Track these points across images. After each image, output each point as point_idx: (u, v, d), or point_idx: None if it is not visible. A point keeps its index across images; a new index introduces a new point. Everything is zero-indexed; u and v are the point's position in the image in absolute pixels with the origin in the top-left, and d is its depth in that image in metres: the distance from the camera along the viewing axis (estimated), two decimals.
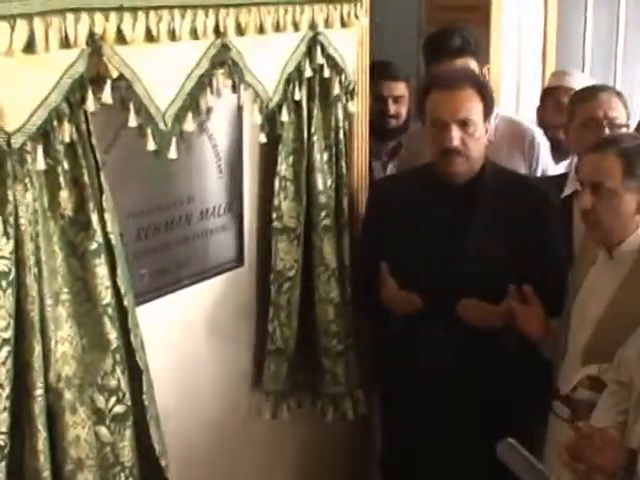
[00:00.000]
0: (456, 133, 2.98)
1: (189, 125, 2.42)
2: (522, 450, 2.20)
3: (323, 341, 3.12)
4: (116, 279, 2.26)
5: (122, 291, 2.28)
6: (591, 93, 3.42)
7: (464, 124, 2.98)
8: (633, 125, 3.53)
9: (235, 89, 2.60)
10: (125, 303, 2.29)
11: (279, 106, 2.80)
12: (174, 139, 2.39)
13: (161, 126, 2.33)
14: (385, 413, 3.37)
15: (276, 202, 2.96)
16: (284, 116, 2.83)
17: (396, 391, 3.26)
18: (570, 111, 3.45)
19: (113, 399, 2.27)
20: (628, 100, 3.45)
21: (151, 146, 2.32)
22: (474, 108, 3.00)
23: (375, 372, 3.34)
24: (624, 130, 3.34)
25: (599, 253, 2.83)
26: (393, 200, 3.16)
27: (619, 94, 3.46)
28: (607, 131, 3.30)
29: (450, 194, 3.08)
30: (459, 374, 3.06)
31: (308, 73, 2.87)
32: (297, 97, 2.86)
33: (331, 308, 3.10)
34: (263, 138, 2.79)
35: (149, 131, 2.30)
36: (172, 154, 2.40)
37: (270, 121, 2.80)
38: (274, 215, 2.96)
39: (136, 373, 2.34)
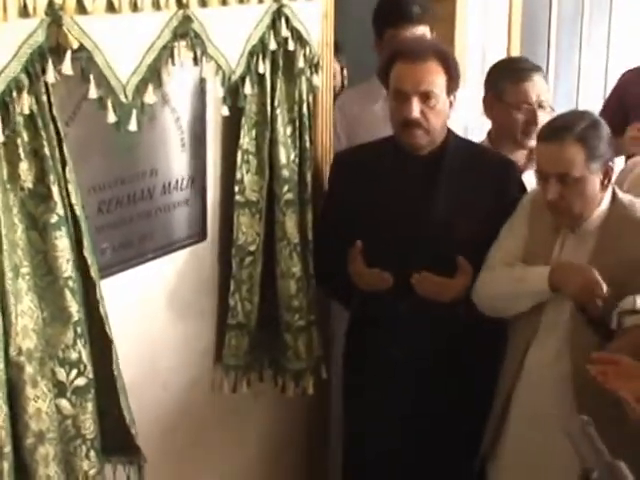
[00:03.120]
0: (417, 105, 2.97)
1: (150, 97, 2.40)
2: (591, 431, 2.18)
3: (285, 316, 3.11)
4: (82, 251, 2.25)
5: (89, 262, 2.27)
6: (522, 74, 3.39)
7: (426, 97, 2.98)
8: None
9: (197, 61, 2.57)
10: (92, 275, 2.28)
11: (242, 79, 2.78)
12: (135, 111, 2.37)
13: (122, 98, 2.31)
14: (348, 388, 3.37)
15: (238, 175, 2.93)
16: (247, 89, 2.81)
17: (360, 366, 3.26)
18: (495, 87, 3.42)
19: (74, 372, 2.26)
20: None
21: (112, 118, 2.30)
22: (437, 81, 2.99)
23: (344, 349, 3.34)
24: (549, 111, 3.37)
25: (559, 232, 2.86)
26: (355, 172, 3.16)
27: (543, 73, 3.48)
28: (538, 114, 3.32)
29: (413, 166, 3.08)
30: (424, 348, 3.08)
31: (272, 46, 2.85)
32: (261, 70, 2.83)
33: (293, 283, 3.09)
34: (226, 111, 2.77)
35: (109, 103, 2.27)
36: (133, 126, 2.38)
37: (233, 94, 2.78)
38: (236, 189, 2.94)
39: (106, 343, 2.34)
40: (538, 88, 3.36)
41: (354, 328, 3.29)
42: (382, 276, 3.02)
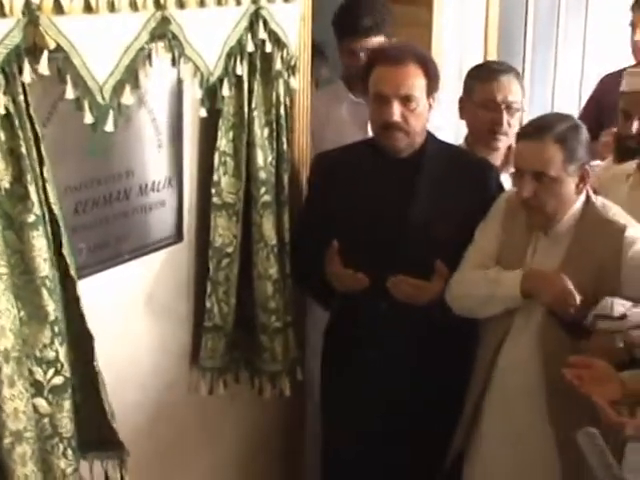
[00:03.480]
0: (397, 108, 2.99)
1: (127, 98, 2.39)
2: (601, 443, 2.19)
3: (261, 318, 3.12)
4: (61, 249, 2.26)
5: (68, 261, 2.27)
6: (491, 74, 3.43)
7: (406, 100, 3.00)
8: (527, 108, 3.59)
9: (175, 62, 2.57)
10: (72, 273, 2.29)
11: (220, 80, 2.78)
12: (112, 112, 2.36)
13: (99, 99, 2.30)
14: (326, 388, 3.38)
15: (215, 177, 2.93)
16: (225, 91, 2.81)
17: (338, 366, 3.27)
18: (468, 88, 3.48)
19: (51, 371, 2.26)
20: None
21: (88, 119, 2.29)
22: (417, 84, 3.01)
23: (322, 350, 3.35)
24: (519, 114, 3.40)
25: (532, 234, 2.88)
26: (335, 173, 3.17)
27: (518, 76, 3.50)
28: (504, 115, 3.35)
29: (392, 168, 3.10)
30: (402, 351, 3.10)
31: (250, 48, 2.85)
32: (239, 72, 2.83)
33: (270, 285, 3.09)
34: (203, 113, 2.77)
35: (86, 104, 2.27)
36: (109, 127, 2.37)
37: (211, 96, 2.78)
38: (213, 191, 2.94)
39: (86, 340, 2.36)
40: (505, 88, 3.38)
41: (332, 328, 3.30)
42: (357, 277, 3.03)
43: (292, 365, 3.24)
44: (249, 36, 2.84)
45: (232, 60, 2.80)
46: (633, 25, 4.42)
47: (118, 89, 2.36)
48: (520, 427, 2.89)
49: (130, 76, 2.39)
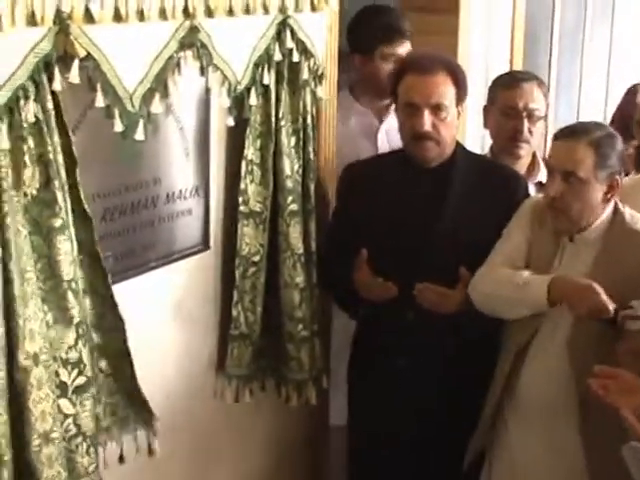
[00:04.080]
0: (428, 118, 2.99)
1: (156, 107, 2.41)
2: None
3: (288, 326, 3.12)
4: (94, 245, 2.34)
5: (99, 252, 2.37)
6: (514, 81, 3.44)
7: (437, 109, 3.00)
8: (550, 116, 3.58)
9: (203, 71, 2.59)
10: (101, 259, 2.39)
11: (247, 89, 2.79)
12: (141, 121, 2.37)
13: (129, 107, 2.32)
14: (353, 396, 3.38)
15: (242, 186, 2.94)
16: (252, 100, 2.82)
17: (366, 374, 3.27)
18: (491, 96, 3.48)
19: (75, 371, 2.29)
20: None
21: (118, 127, 2.31)
22: (447, 93, 3.02)
23: (350, 358, 3.35)
24: (542, 122, 3.39)
25: (560, 240, 2.87)
26: (364, 183, 3.18)
27: (541, 84, 3.50)
28: (525, 122, 3.34)
29: (422, 177, 3.10)
30: (429, 359, 3.10)
31: (277, 57, 2.86)
32: (266, 81, 2.84)
33: (296, 293, 3.10)
34: (231, 122, 2.78)
35: (116, 112, 2.29)
36: (139, 136, 2.39)
37: (238, 104, 2.79)
38: (240, 199, 2.95)
39: (118, 324, 2.46)
40: (527, 95, 3.37)
41: (360, 336, 3.31)
42: (386, 286, 3.03)
43: (318, 374, 3.24)
44: (277, 45, 2.85)
45: (259, 69, 2.81)
46: None
47: (147, 97, 2.38)
48: (549, 437, 2.88)
49: (159, 85, 2.42)
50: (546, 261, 2.88)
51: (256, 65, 2.80)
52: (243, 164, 2.92)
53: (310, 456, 3.65)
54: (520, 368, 2.91)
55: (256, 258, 3.01)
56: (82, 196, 2.28)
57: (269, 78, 2.85)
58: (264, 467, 3.45)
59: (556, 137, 2.85)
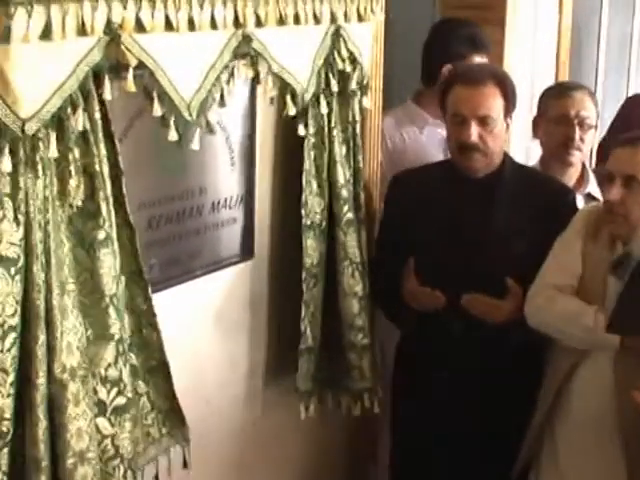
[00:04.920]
0: (475, 129, 2.99)
1: (212, 116, 2.41)
2: None
3: (349, 336, 3.10)
4: (137, 259, 2.33)
5: (142, 266, 2.37)
6: (565, 91, 3.46)
7: (484, 121, 3.00)
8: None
9: (259, 80, 2.59)
10: (144, 274, 2.39)
11: (315, 97, 2.81)
12: (198, 130, 2.38)
13: (186, 116, 2.32)
14: (397, 411, 3.36)
15: (303, 199, 2.93)
16: (323, 108, 2.83)
17: (410, 388, 3.26)
18: (542, 106, 3.49)
19: (114, 390, 2.27)
20: None
21: (174, 136, 2.31)
22: (495, 105, 3.01)
23: (394, 369, 3.34)
24: (592, 131, 3.38)
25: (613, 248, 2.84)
26: (412, 192, 3.17)
27: (592, 95, 3.51)
28: (577, 130, 3.33)
29: (469, 188, 3.09)
30: (475, 371, 3.09)
31: (339, 66, 2.86)
32: (334, 89, 2.85)
33: (356, 302, 3.09)
34: (302, 130, 2.81)
35: (172, 121, 2.29)
36: (195, 145, 2.39)
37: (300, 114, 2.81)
38: (303, 212, 2.94)
39: (156, 333, 2.44)
40: (578, 104, 3.38)
41: (405, 346, 3.30)
42: (434, 295, 3.02)
43: (377, 382, 3.22)
44: (335, 54, 2.85)
45: (323, 77, 2.82)
46: None
47: (204, 106, 2.38)
48: (596, 453, 2.85)
49: (215, 93, 2.42)
50: (601, 276, 2.83)
51: (319, 73, 2.81)
52: (303, 177, 2.92)
53: (357, 469, 3.63)
54: (572, 381, 2.89)
55: (316, 270, 3.00)
56: (127, 208, 2.27)
57: (334, 86, 2.86)
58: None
59: (617, 143, 2.84)
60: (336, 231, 3.03)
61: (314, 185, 2.96)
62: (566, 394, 2.90)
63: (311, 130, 2.91)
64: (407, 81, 4.06)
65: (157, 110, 2.26)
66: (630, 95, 4.51)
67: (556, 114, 3.40)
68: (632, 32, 6.30)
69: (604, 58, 5.99)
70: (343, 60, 2.90)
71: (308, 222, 2.96)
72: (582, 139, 3.39)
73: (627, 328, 2.33)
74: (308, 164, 2.93)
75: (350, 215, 3.05)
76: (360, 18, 2.96)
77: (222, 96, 2.44)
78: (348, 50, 2.92)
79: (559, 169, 3.40)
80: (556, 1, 4.84)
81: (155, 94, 2.24)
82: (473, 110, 2.99)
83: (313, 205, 2.96)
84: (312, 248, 2.97)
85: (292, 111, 2.73)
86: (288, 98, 2.70)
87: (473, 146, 3.01)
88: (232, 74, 2.47)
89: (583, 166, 3.48)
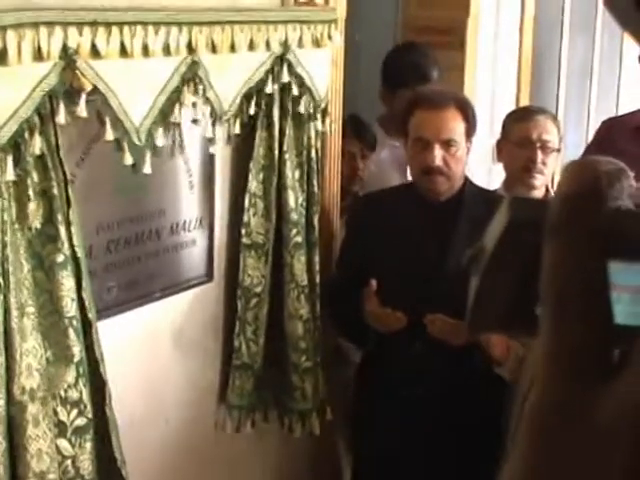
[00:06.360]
0: (438, 152, 3.02)
1: (160, 140, 2.44)
2: None
3: (292, 357, 3.14)
4: (81, 292, 2.27)
5: (86, 304, 2.29)
6: (528, 114, 3.51)
7: (447, 144, 3.03)
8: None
9: (194, 104, 2.61)
10: (89, 316, 2.30)
11: (235, 119, 2.80)
12: (148, 154, 2.41)
13: (135, 140, 2.35)
14: (356, 430, 3.38)
15: (245, 218, 2.96)
16: (236, 129, 2.81)
17: (371, 410, 3.28)
18: (505, 129, 3.53)
19: (75, 412, 2.27)
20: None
21: (128, 160, 2.34)
22: (457, 128, 3.05)
23: (354, 389, 3.36)
24: (555, 154, 3.43)
25: None
26: (373, 217, 3.20)
27: (554, 118, 3.57)
28: (539, 153, 3.38)
29: (431, 211, 3.12)
30: (436, 390, 3.10)
31: (269, 90, 2.86)
32: (251, 111, 2.84)
33: (300, 325, 3.11)
34: (213, 150, 2.80)
35: (126, 145, 2.32)
36: (147, 169, 2.42)
37: (241, 135, 2.83)
38: (243, 231, 2.97)
39: (99, 385, 2.35)
40: (541, 127, 3.41)
41: (365, 366, 3.31)
42: (396, 316, 3.04)
43: (322, 404, 3.25)
44: (270, 78, 2.85)
45: (248, 101, 2.82)
46: None
47: (153, 131, 2.41)
48: None
49: (163, 118, 2.45)
50: None
51: (246, 97, 2.80)
52: (246, 197, 2.95)
53: None
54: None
55: (258, 289, 3.03)
56: (75, 239, 2.26)
57: (256, 109, 2.85)
58: None
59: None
60: (283, 254, 3.06)
61: (260, 206, 2.99)
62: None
63: (261, 152, 2.94)
64: (371, 104, 4.11)
65: (109, 134, 2.28)
66: (606, 119, 4.54)
67: (518, 137, 3.44)
68: (593, 56, 6.38)
69: (565, 82, 6.05)
70: (289, 85, 2.92)
71: (248, 242, 2.98)
72: (544, 162, 3.42)
73: (485, 326, 2.34)
74: (255, 185, 2.95)
75: (299, 239, 3.07)
76: (317, 44, 3.00)
77: (169, 120, 2.46)
78: (295, 75, 2.93)
79: (522, 191, 3.44)
80: (517, 25, 4.90)
81: (107, 118, 2.26)
82: (436, 133, 3.02)
83: (257, 226, 2.99)
84: (252, 268, 2.99)
85: (209, 133, 2.72)
86: (209, 121, 2.71)
87: (436, 169, 3.03)
88: (179, 99, 2.49)
89: (547, 189, 3.52)
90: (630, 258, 0.47)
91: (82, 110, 2.19)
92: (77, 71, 2.15)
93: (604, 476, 0.42)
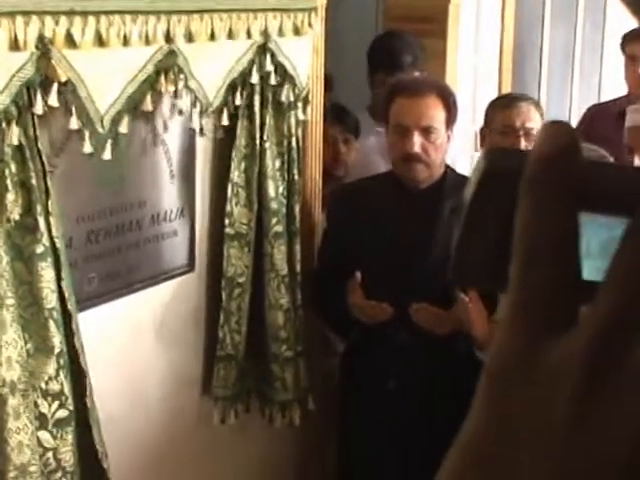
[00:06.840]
0: (417, 139, 3.00)
1: (124, 128, 2.42)
2: None
3: (272, 347, 3.13)
4: (61, 283, 2.26)
5: (66, 295, 2.27)
6: (511, 102, 3.51)
7: (427, 131, 3.02)
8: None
9: (177, 94, 2.60)
10: (69, 307, 2.28)
11: (220, 111, 2.79)
12: (109, 141, 2.39)
13: (99, 129, 2.33)
14: (344, 423, 3.37)
15: (228, 208, 2.95)
16: (224, 120, 2.82)
17: (355, 396, 3.27)
18: (488, 117, 3.55)
19: (56, 403, 2.26)
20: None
21: (88, 149, 2.32)
22: (437, 115, 3.03)
23: (339, 380, 3.36)
24: None
25: None
26: (354, 205, 3.19)
27: (538, 105, 3.56)
28: (523, 141, 3.38)
29: (412, 199, 3.11)
30: (421, 380, 3.10)
31: (254, 79, 2.86)
32: (237, 102, 2.84)
33: (281, 314, 3.10)
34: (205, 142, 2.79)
35: (87, 134, 2.30)
36: (106, 155, 2.40)
37: (224, 126, 2.81)
38: (226, 221, 2.96)
39: (79, 376, 2.34)
40: (524, 114, 3.41)
41: (349, 357, 3.31)
42: (381, 307, 3.03)
43: (303, 394, 3.25)
44: (254, 68, 2.85)
45: (233, 91, 2.81)
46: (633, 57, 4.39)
47: (117, 119, 2.39)
48: None
49: (130, 106, 2.42)
50: None
51: (231, 86, 2.80)
52: (229, 187, 2.94)
53: (297, 478, 3.65)
54: None
55: (241, 279, 3.02)
56: (54, 230, 2.25)
57: (242, 100, 2.85)
58: None
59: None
60: (264, 243, 3.05)
61: (242, 196, 2.98)
62: None
63: (243, 142, 2.92)
64: (353, 91, 4.11)
65: (74, 123, 2.26)
66: (591, 105, 4.54)
67: (502, 125, 3.44)
68: (574, 42, 6.37)
69: (547, 69, 6.06)
70: (269, 74, 2.91)
71: (232, 232, 2.97)
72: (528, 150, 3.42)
73: (466, 278, 2.33)
74: (237, 175, 2.94)
75: (279, 228, 3.06)
76: (297, 32, 2.99)
77: (137, 109, 2.45)
78: (277, 64, 2.92)
79: None
80: (498, 12, 4.89)
81: (74, 108, 2.24)
82: (416, 120, 3.01)
83: (240, 215, 2.98)
84: (235, 257, 2.98)
85: (196, 124, 2.71)
86: (195, 112, 2.69)
87: (415, 156, 3.02)
88: (153, 88, 2.47)
89: None
90: (602, 210, 0.47)
91: (53, 100, 2.17)
92: (52, 61, 2.13)
93: (545, 425, 0.43)
